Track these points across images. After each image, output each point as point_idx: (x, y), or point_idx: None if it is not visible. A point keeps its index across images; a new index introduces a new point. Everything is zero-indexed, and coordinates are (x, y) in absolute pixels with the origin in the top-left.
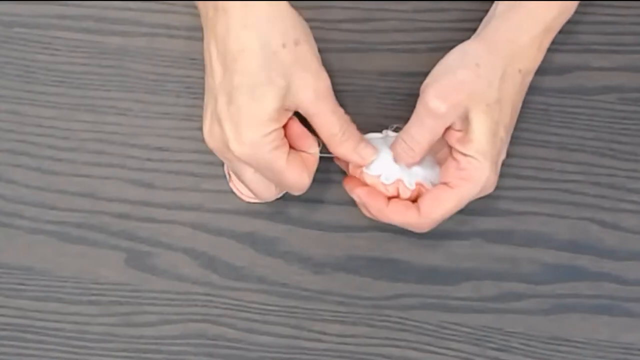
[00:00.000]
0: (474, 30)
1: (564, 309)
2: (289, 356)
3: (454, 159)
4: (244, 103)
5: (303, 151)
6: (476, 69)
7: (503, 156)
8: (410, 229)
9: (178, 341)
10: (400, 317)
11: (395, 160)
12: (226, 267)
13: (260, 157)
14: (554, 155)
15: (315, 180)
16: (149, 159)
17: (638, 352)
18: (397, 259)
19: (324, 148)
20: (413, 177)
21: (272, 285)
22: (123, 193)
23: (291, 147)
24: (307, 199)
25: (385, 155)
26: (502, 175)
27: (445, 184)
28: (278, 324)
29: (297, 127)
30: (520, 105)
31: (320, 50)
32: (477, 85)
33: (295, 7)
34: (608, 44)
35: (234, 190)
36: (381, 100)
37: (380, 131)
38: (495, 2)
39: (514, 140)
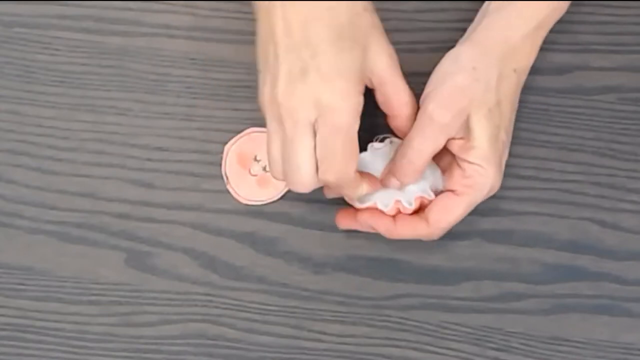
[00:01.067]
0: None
1: (564, 309)
2: (289, 356)
3: (459, 166)
4: (332, 55)
5: None
6: (473, 72)
7: (506, 156)
8: (421, 239)
9: (178, 341)
10: (400, 317)
11: (395, 175)
12: (226, 267)
13: (346, 109)
14: (554, 155)
15: None
16: (149, 159)
17: (638, 352)
18: (397, 259)
19: None
20: (410, 193)
21: (272, 285)
22: (123, 193)
23: None
24: (307, 199)
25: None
26: (502, 175)
27: (451, 191)
28: (278, 324)
29: None
30: (517, 104)
31: None
32: (476, 89)
33: None
34: (608, 44)
35: (231, 192)
36: None
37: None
38: (486, 2)
39: (514, 140)
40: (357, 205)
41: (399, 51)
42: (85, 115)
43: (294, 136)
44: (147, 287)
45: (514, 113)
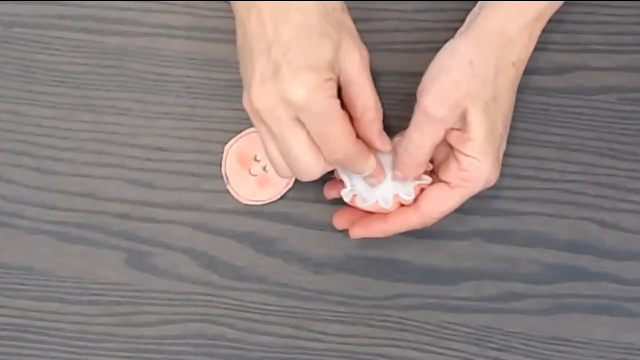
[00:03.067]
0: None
1: (564, 309)
2: (289, 356)
3: (455, 158)
4: (302, 50)
5: None
6: (470, 67)
7: (503, 149)
8: (415, 229)
9: (178, 341)
10: (400, 317)
11: (400, 169)
12: (226, 267)
13: (320, 101)
14: (554, 155)
15: (315, 180)
16: (149, 159)
17: (638, 352)
18: (397, 259)
19: None
20: (408, 184)
21: (272, 285)
22: (123, 193)
23: None
24: (307, 199)
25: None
26: (502, 175)
27: (446, 183)
28: (278, 324)
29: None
30: (514, 96)
31: None
32: (472, 84)
33: None
34: (608, 44)
35: (231, 192)
36: (381, 100)
37: None
38: None
39: (514, 140)
40: (360, 205)
41: (399, 51)
42: (85, 115)
43: (283, 133)
44: (147, 287)
45: (512, 106)
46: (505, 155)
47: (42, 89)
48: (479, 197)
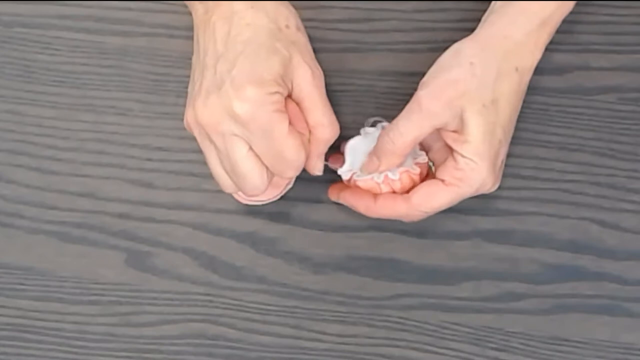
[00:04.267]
0: (474, 30)
1: (564, 309)
2: (289, 356)
3: (453, 158)
4: (247, 64)
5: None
6: (470, 67)
7: (502, 157)
8: (400, 219)
9: (178, 341)
10: (400, 317)
11: (376, 155)
12: (226, 267)
13: (263, 115)
14: (554, 155)
15: (315, 180)
16: (149, 159)
17: (638, 352)
18: (397, 259)
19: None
20: (396, 169)
21: (272, 285)
22: (123, 193)
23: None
24: (307, 199)
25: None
26: (502, 175)
27: (441, 180)
28: (278, 324)
29: (295, 107)
30: (519, 105)
31: (320, 50)
32: (471, 84)
33: (295, 8)
34: (608, 44)
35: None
36: (381, 100)
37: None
38: (493, 0)
39: (514, 140)
40: (354, 179)
41: (399, 51)
42: (85, 115)
43: (228, 148)
44: (147, 287)
45: (516, 114)
46: (506, 156)
47: (42, 89)
48: (479, 197)
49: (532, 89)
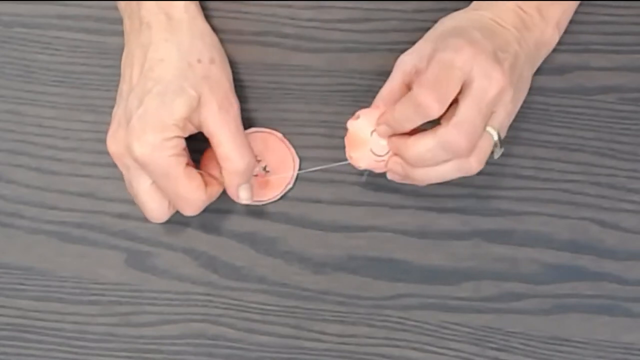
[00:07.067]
0: None
1: (564, 309)
2: (289, 356)
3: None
4: (152, 106)
5: (211, 175)
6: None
7: (505, 56)
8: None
9: (178, 341)
10: (400, 317)
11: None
12: (226, 267)
13: (159, 160)
14: (554, 155)
15: (315, 180)
16: None
17: (638, 352)
18: (397, 259)
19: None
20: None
21: (272, 285)
22: (123, 193)
23: (201, 168)
24: (307, 199)
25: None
26: (502, 175)
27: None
28: (278, 324)
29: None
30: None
31: (320, 50)
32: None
33: (295, 7)
34: (608, 44)
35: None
36: None
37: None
38: None
39: (514, 140)
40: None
41: (399, 51)
42: (85, 115)
43: (129, 179)
44: (147, 287)
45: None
46: (505, 155)
47: (42, 89)
48: (479, 197)
49: (532, 89)
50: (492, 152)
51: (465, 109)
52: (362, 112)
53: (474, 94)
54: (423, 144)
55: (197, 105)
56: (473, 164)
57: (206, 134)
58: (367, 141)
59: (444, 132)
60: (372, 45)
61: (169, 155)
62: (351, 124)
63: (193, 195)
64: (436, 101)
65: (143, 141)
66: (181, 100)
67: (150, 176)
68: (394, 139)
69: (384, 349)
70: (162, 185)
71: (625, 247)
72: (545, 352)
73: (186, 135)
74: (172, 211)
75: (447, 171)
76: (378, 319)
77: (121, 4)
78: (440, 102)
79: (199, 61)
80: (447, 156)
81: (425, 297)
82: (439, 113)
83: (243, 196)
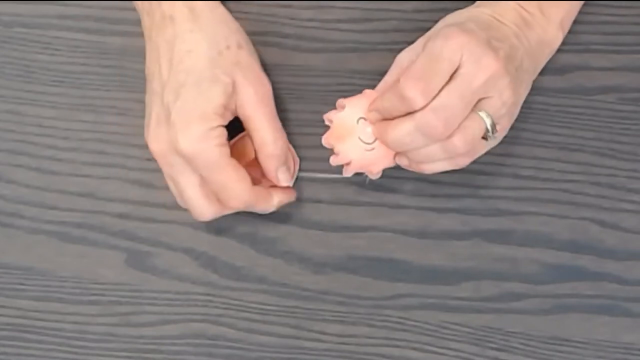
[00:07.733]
0: None
1: (564, 309)
2: (289, 356)
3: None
4: (190, 97)
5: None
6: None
7: (501, 45)
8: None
9: (178, 341)
10: (400, 317)
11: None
12: (226, 267)
13: (206, 151)
14: (554, 155)
15: (315, 181)
16: (149, 159)
17: (638, 352)
18: (397, 259)
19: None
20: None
21: (272, 285)
22: (123, 193)
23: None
24: (307, 198)
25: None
26: (502, 175)
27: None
28: (278, 324)
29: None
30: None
31: (320, 50)
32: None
33: (295, 7)
34: (608, 44)
35: None
36: None
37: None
38: None
39: (514, 140)
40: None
41: (399, 51)
42: (85, 115)
43: (175, 177)
44: (147, 287)
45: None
46: (505, 155)
47: (42, 89)
48: (478, 197)
49: (532, 89)
50: (486, 139)
51: (446, 93)
52: (346, 101)
53: (458, 80)
54: (402, 128)
55: (232, 91)
56: (457, 144)
57: (242, 118)
58: (354, 130)
59: (421, 115)
60: (372, 45)
61: (215, 145)
62: (336, 116)
63: (240, 185)
64: (420, 94)
65: (187, 134)
66: (217, 88)
67: (197, 170)
68: (377, 124)
69: (384, 349)
70: (209, 178)
71: (625, 247)
72: (545, 352)
73: (226, 123)
74: (218, 210)
75: (434, 153)
76: (378, 319)
77: (138, 3)
78: (424, 94)
79: (228, 47)
80: (425, 140)
81: (425, 297)
82: (423, 105)
83: (282, 178)
